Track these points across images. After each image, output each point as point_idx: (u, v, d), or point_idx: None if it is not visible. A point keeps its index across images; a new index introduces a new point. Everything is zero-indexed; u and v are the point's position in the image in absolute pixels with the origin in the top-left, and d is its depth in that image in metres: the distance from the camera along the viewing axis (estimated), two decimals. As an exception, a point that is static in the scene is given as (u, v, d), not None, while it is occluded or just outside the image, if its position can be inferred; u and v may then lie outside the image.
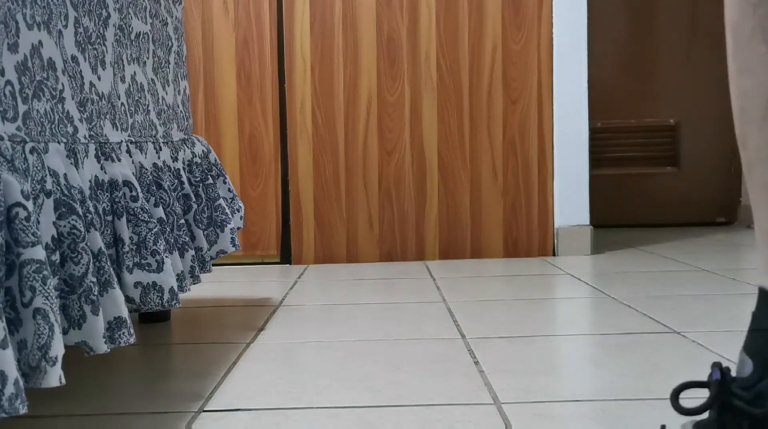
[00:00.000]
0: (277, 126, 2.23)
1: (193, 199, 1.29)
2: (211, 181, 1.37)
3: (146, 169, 1.11)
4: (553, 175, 2.25)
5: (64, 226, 0.79)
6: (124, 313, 0.87)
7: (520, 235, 2.25)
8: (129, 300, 0.99)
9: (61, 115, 0.86)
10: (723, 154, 3.06)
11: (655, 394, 0.92)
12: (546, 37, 2.23)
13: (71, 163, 0.86)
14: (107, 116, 1.01)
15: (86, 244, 0.81)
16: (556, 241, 2.25)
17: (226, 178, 1.45)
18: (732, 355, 1.09)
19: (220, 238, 1.34)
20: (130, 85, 1.11)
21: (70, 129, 0.89)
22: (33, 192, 0.75)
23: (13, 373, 0.63)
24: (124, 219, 0.97)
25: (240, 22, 2.21)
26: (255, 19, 2.21)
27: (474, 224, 2.25)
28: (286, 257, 2.25)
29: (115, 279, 0.87)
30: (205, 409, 0.92)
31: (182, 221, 1.19)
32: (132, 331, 0.88)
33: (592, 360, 1.09)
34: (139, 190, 1.01)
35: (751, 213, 2.93)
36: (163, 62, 1.29)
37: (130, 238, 0.99)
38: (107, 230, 0.94)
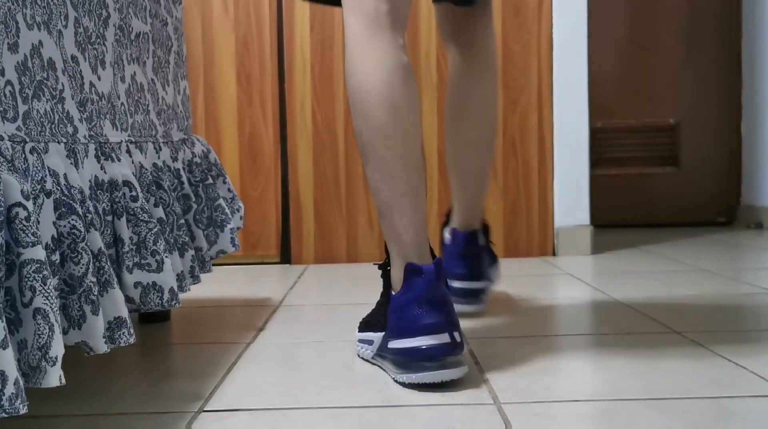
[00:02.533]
0: (277, 126, 2.23)
1: (193, 199, 1.29)
2: (210, 181, 1.37)
3: (146, 169, 1.11)
4: (553, 175, 2.25)
5: (64, 226, 0.79)
6: (124, 313, 0.87)
7: (520, 235, 2.25)
8: (129, 300, 1.00)
9: (61, 115, 0.86)
10: (723, 154, 3.06)
11: (655, 394, 0.92)
12: (546, 37, 2.23)
13: (71, 163, 0.86)
14: (107, 116, 1.01)
15: (86, 244, 0.81)
16: (556, 241, 2.25)
17: (225, 178, 1.45)
18: (732, 355, 1.09)
19: (219, 238, 1.34)
20: (130, 85, 1.11)
21: (70, 129, 0.89)
22: (33, 192, 0.75)
23: (13, 372, 0.63)
24: (124, 219, 0.97)
25: (240, 22, 2.21)
26: (255, 19, 2.21)
27: (474, 224, 2.25)
28: (286, 257, 2.25)
29: (115, 279, 0.87)
30: (205, 409, 0.92)
31: (182, 221, 1.19)
32: (132, 331, 0.88)
33: (592, 360, 1.09)
34: (138, 190, 1.01)
35: (751, 213, 2.94)
36: (163, 62, 1.29)
37: (130, 238, 0.99)
38: (107, 230, 0.94)
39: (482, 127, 1.33)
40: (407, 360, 0.97)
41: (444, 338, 0.96)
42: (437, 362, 0.96)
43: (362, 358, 1.14)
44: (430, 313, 0.97)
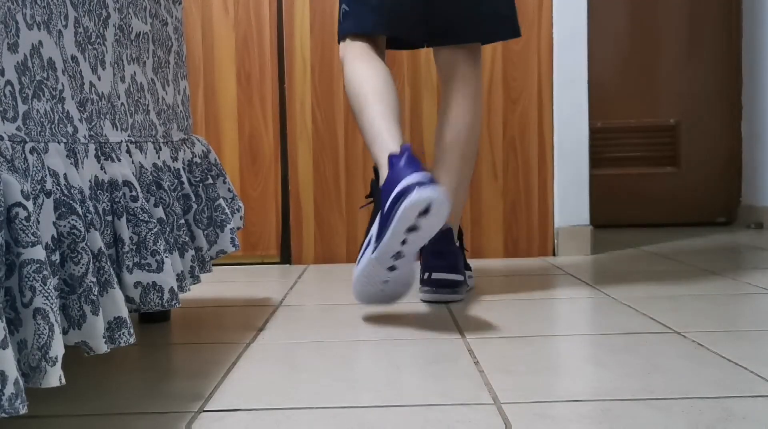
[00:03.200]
0: (277, 126, 2.23)
1: (193, 199, 1.29)
2: (210, 181, 1.37)
3: (146, 169, 1.11)
4: (553, 175, 2.25)
5: (64, 226, 0.79)
6: (124, 313, 0.87)
7: (520, 235, 2.25)
8: (129, 300, 1.00)
9: (61, 115, 0.86)
10: (723, 154, 3.06)
11: (655, 394, 0.92)
12: (546, 37, 2.23)
13: (71, 163, 0.86)
14: (107, 116, 1.01)
15: (86, 244, 0.81)
16: (556, 241, 2.25)
17: (225, 178, 1.45)
18: (732, 355, 1.09)
19: (219, 238, 1.34)
20: (130, 85, 1.11)
21: (70, 129, 0.89)
22: (33, 192, 0.75)
23: (13, 373, 0.63)
24: (124, 219, 0.97)
25: (240, 22, 2.21)
26: (255, 19, 2.21)
27: (474, 224, 2.25)
28: (286, 257, 2.25)
29: (115, 279, 0.87)
30: (205, 409, 0.92)
31: (182, 221, 1.19)
32: (132, 331, 0.88)
33: (592, 360, 1.09)
34: (139, 190, 1.01)
35: (751, 213, 2.94)
36: (163, 62, 1.29)
37: (130, 238, 0.99)
38: (107, 230, 0.94)
39: (459, 130, 1.57)
40: (403, 197, 1.18)
41: (427, 175, 1.21)
42: (425, 188, 1.18)
43: (363, 286, 1.35)
44: (411, 165, 1.23)
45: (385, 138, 1.36)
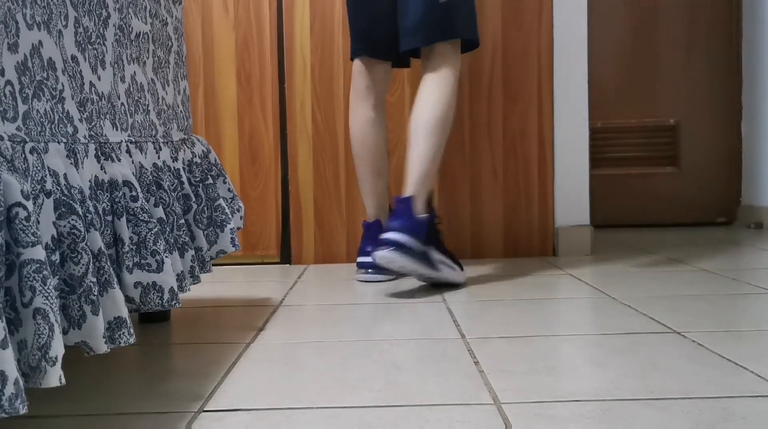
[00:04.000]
0: (277, 126, 2.23)
1: (193, 199, 1.29)
2: (211, 181, 1.37)
3: (146, 169, 1.11)
4: (553, 175, 2.25)
5: (64, 226, 0.80)
6: (124, 313, 0.87)
7: (520, 235, 2.25)
8: (129, 300, 1.00)
9: (61, 115, 0.86)
10: (723, 154, 3.06)
11: (655, 394, 0.92)
12: (546, 37, 2.23)
13: (71, 163, 0.86)
14: (107, 116, 1.01)
15: (86, 244, 0.81)
16: (556, 241, 2.25)
17: (226, 178, 1.45)
18: (732, 355, 1.09)
19: (220, 238, 1.34)
20: (130, 85, 1.11)
21: (70, 129, 0.89)
22: (33, 192, 0.75)
23: (13, 373, 0.63)
24: (124, 219, 0.97)
25: (240, 22, 2.21)
26: (255, 19, 2.21)
27: (474, 224, 2.25)
28: (286, 257, 2.25)
29: (115, 279, 0.87)
30: (205, 409, 0.92)
31: (182, 221, 1.19)
32: (132, 331, 0.88)
33: (592, 360, 1.09)
34: (139, 190, 1.01)
35: (751, 213, 2.94)
36: (163, 62, 1.29)
37: (130, 238, 0.99)
38: (107, 230, 0.94)
39: (426, 108, 1.72)
40: (359, 267, 1.87)
41: (370, 258, 1.83)
42: (370, 270, 1.84)
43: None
44: (368, 244, 1.87)
45: (365, 198, 1.93)
